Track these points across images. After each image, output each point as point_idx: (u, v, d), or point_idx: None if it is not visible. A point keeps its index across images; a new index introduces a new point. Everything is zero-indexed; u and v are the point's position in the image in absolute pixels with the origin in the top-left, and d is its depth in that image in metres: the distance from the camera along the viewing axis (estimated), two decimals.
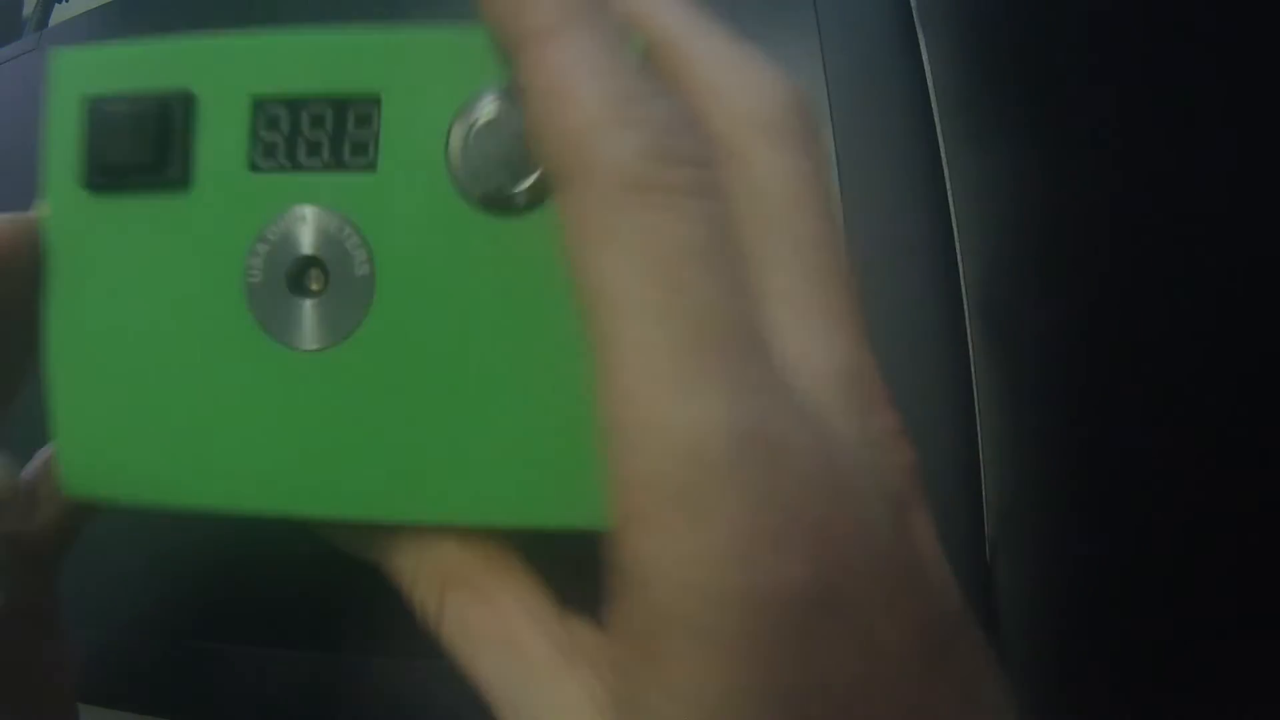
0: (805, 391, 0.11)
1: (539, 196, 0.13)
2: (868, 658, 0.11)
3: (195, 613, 0.25)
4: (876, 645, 0.11)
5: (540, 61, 0.11)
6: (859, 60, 0.27)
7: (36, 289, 0.15)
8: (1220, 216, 0.14)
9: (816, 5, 0.27)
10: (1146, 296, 0.16)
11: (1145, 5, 0.16)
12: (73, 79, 0.14)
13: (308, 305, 0.14)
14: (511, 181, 0.13)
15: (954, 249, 0.25)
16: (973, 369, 0.24)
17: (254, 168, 0.14)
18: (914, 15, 0.28)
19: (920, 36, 0.28)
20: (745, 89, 0.13)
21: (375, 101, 0.13)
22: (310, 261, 0.14)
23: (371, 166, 0.13)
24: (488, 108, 0.13)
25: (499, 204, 0.13)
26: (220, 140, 0.14)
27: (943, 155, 0.26)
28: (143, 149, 0.14)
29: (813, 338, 0.12)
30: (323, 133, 0.13)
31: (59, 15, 0.45)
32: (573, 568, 0.13)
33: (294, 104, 0.14)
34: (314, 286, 0.14)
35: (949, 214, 0.25)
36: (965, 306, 0.24)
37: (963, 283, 0.25)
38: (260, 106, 0.14)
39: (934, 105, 0.27)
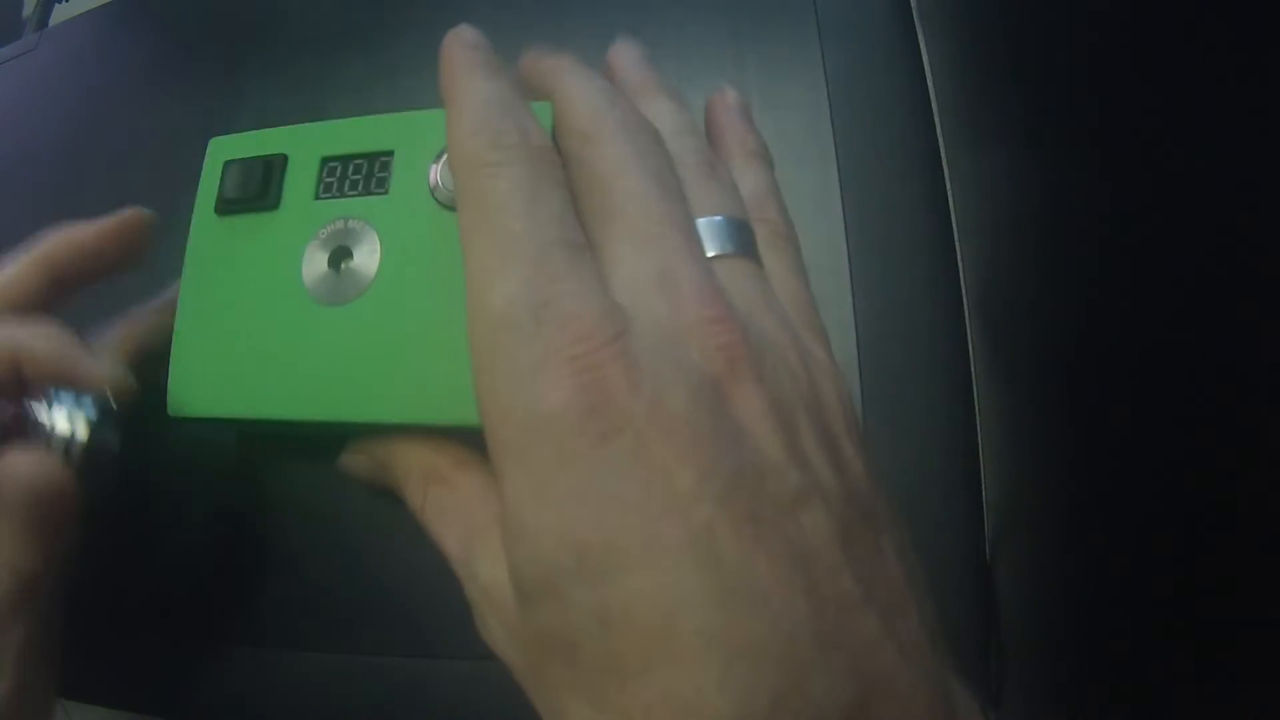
0: (619, 286, 0.16)
1: None
2: (644, 488, 0.14)
3: (195, 613, 0.25)
4: (654, 466, 0.14)
5: (448, 112, 0.19)
6: (859, 60, 0.27)
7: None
8: (1221, 216, 0.14)
9: (816, 5, 0.27)
10: (1147, 296, 0.16)
11: (1145, 5, 0.16)
12: (219, 151, 0.24)
13: (338, 277, 0.22)
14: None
15: (954, 249, 0.25)
16: (973, 369, 0.24)
17: (317, 196, 0.22)
18: (914, 15, 0.28)
19: (920, 36, 0.28)
20: (571, 105, 0.19)
21: (390, 154, 0.22)
22: (343, 251, 0.22)
23: (386, 191, 0.22)
24: (446, 156, 0.21)
25: (453, 206, 0.21)
26: (299, 181, 0.23)
27: (943, 155, 0.26)
28: (253, 187, 0.23)
29: (627, 252, 0.17)
30: (360, 175, 0.22)
31: (59, 15, 0.45)
32: None
33: (344, 159, 0.23)
34: (343, 265, 0.22)
35: (949, 214, 0.25)
36: (965, 306, 0.24)
37: (963, 283, 0.25)
38: (324, 161, 0.23)
39: (934, 105, 0.27)
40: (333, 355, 0.21)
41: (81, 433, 0.20)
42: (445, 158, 0.21)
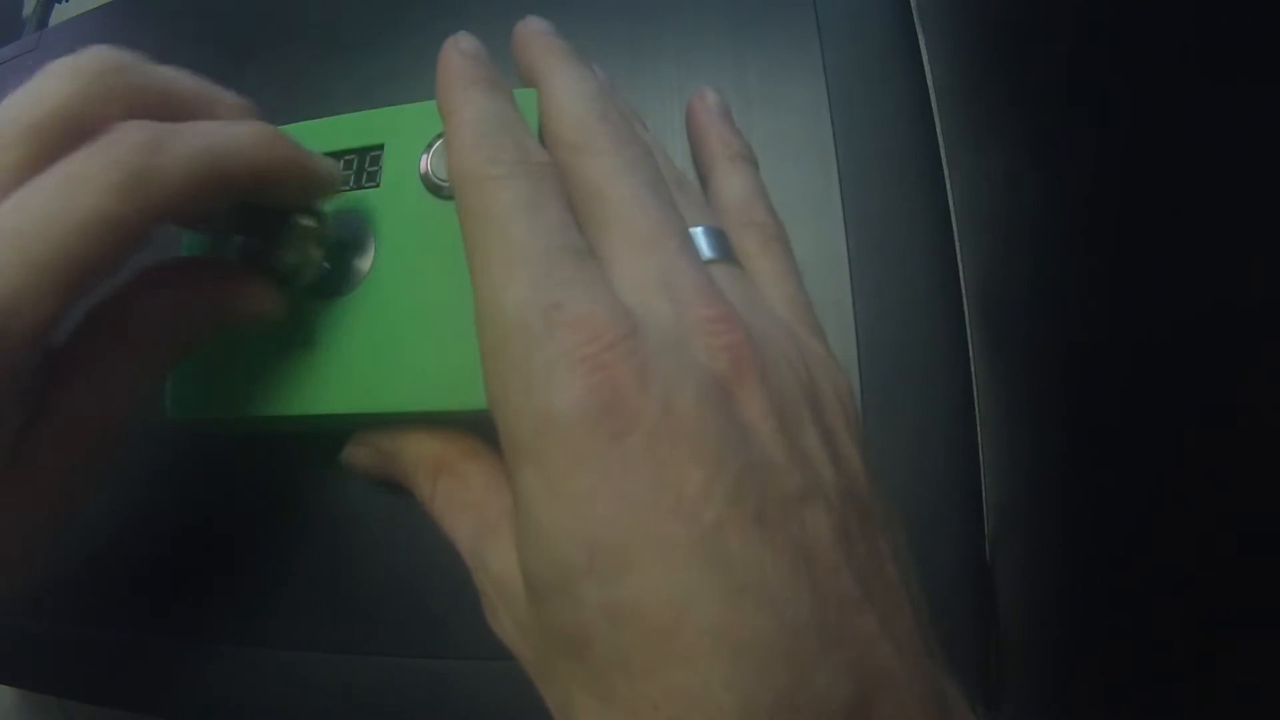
0: (623, 290, 0.17)
1: None
2: (655, 488, 0.14)
3: (195, 613, 0.25)
4: (664, 466, 0.15)
5: (447, 125, 0.19)
6: (859, 60, 0.27)
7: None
8: (1221, 217, 0.14)
9: (816, 5, 0.27)
10: (1146, 296, 0.16)
11: (1145, 5, 0.16)
12: None
13: (334, 270, 0.22)
14: (450, 181, 0.21)
15: (954, 249, 0.25)
16: (973, 369, 0.24)
17: None
18: (914, 15, 0.28)
19: (920, 36, 0.28)
20: (559, 113, 0.20)
21: (380, 148, 0.23)
22: (339, 244, 0.22)
23: (377, 184, 0.22)
24: (437, 145, 0.22)
25: (445, 194, 0.22)
26: None
27: (943, 155, 0.26)
28: None
29: (628, 258, 0.17)
30: (351, 170, 0.23)
31: (59, 15, 0.45)
32: None
33: (336, 155, 0.23)
34: (339, 258, 0.22)
35: (949, 214, 0.25)
36: (965, 306, 0.24)
37: (963, 283, 0.25)
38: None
39: (934, 105, 0.27)
40: (333, 348, 0.21)
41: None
42: (436, 147, 0.22)
